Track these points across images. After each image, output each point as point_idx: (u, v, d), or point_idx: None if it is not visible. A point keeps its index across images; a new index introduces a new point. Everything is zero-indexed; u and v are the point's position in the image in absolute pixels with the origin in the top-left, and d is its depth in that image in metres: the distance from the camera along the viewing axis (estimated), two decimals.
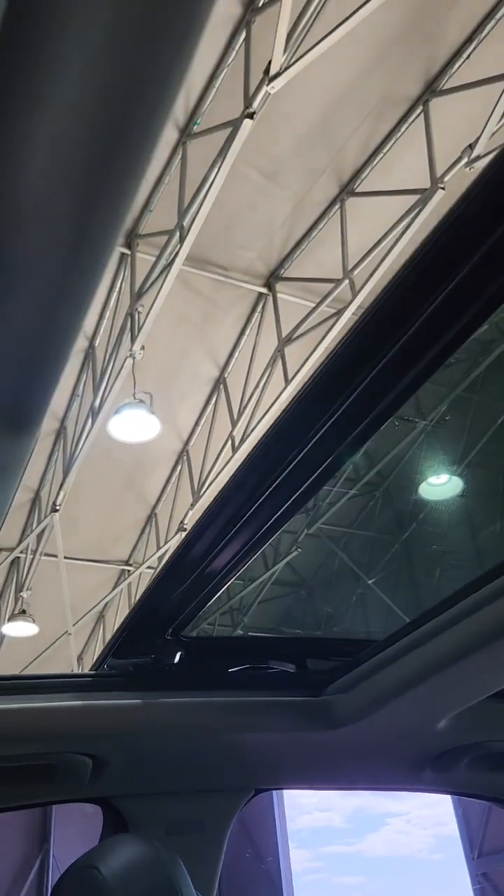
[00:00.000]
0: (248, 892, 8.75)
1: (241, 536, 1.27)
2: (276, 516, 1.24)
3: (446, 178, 6.18)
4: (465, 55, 6.02)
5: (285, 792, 9.33)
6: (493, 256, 0.80)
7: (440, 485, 8.25)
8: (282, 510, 1.23)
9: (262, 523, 1.25)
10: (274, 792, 9.06)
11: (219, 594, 1.44)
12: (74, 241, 0.49)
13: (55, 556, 8.90)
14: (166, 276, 6.35)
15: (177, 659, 1.56)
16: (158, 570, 1.40)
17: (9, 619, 9.64)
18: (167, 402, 8.00)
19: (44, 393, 0.65)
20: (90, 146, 0.43)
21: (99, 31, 0.37)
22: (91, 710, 1.44)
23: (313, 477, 1.15)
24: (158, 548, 9.56)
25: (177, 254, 6.25)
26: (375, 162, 6.76)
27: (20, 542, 9.54)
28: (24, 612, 9.40)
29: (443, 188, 6.17)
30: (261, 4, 5.48)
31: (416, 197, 6.37)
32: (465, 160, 6.07)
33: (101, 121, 0.42)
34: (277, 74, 5.14)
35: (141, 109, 0.42)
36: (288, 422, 1.06)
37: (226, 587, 1.44)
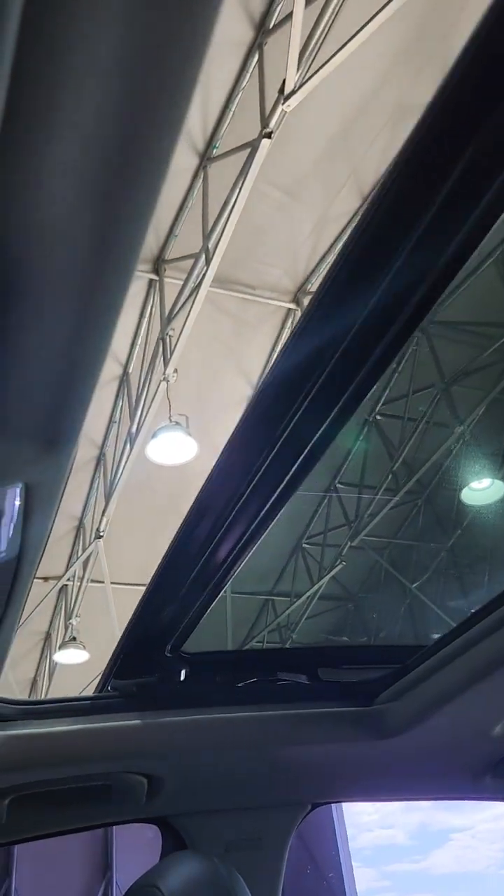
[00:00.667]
0: None
1: (227, 541, 1.21)
2: (262, 513, 1.17)
3: None
4: None
5: (346, 810, 9.21)
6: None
7: (483, 489, 8.13)
8: (268, 506, 1.16)
9: (248, 523, 1.18)
10: (333, 807, 8.94)
11: (214, 603, 1.38)
12: (95, 261, 0.51)
13: (101, 581, 8.98)
14: (195, 298, 6.42)
15: (182, 676, 1.53)
16: (148, 584, 1.35)
17: (60, 647, 9.73)
18: (203, 423, 8.04)
19: (77, 412, 0.66)
20: (104, 169, 0.45)
21: (106, 55, 0.39)
22: (141, 729, 1.45)
23: (299, 461, 1.07)
24: None
25: (204, 276, 6.32)
26: None
27: (67, 570, 9.65)
28: (74, 639, 9.48)
29: None
30: (272, 26, 5.56)
31: None
32: None
33: (112, 143, 0.43)
34: (292, 92, 5.19)
35: (151, 128, 0.44)
36: (264, 407, 0.99)
37: (221, 594, 1.39)
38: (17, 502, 0.70)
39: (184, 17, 0.39)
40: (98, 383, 0.66)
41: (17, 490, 0.69)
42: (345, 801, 1.91)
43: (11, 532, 0.73)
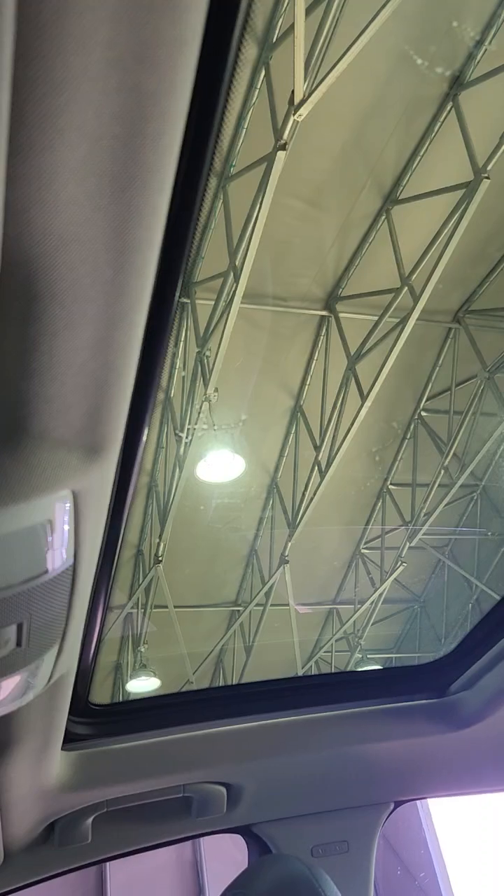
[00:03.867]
0: None
1: None
2: None
3: (489, 167, 6.09)
4: (486, 42, 5.97)
5: (438, 809, 9.01)
6: None
7: None
8: None
9: None
10: (419, 805, 8.73)
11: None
12: (114, 261, 0.52)
13: (165, 606, 9.04)
14: (227, 316, 6.48)
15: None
16: None
17: (131, 676, 9.81)
18: (248, 439, 8.08)
19: (115, 416, 0.68)
20: (111, 168, 0.46)
21: (99, 55, 0.41)
22: (215, 738, 1.46)
23: None
24: (263, 583, 9.57)
25: (234, 293, 6.37)
26: (414, 166, 6.74)
27: (130, 597, 9.75)
28: (144, 666, 9.55)
29: (487, 177, 6.08)
30: (275, 40, 5.62)
31: (461, 192, 6.30)
32: None
33: (117, 141, 0.45)
34: (302, 101, 5.23)
35: (152, 123, 0.45)
36: None
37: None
38: (67, 511, 0.72)
39: (172, 11, 0.41)
40: (132, 386, 0.68)
41: (66, 498, 0.71)
42: (427, 797, 1.88)
43: (66, 541, 0.75)
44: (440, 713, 1.55)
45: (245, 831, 1.68)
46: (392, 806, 1.75)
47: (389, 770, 1.66)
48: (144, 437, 0.82)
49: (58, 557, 0.76)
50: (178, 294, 0.70)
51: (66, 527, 0.74)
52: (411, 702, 1.57)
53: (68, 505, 0.72)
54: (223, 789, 1.54)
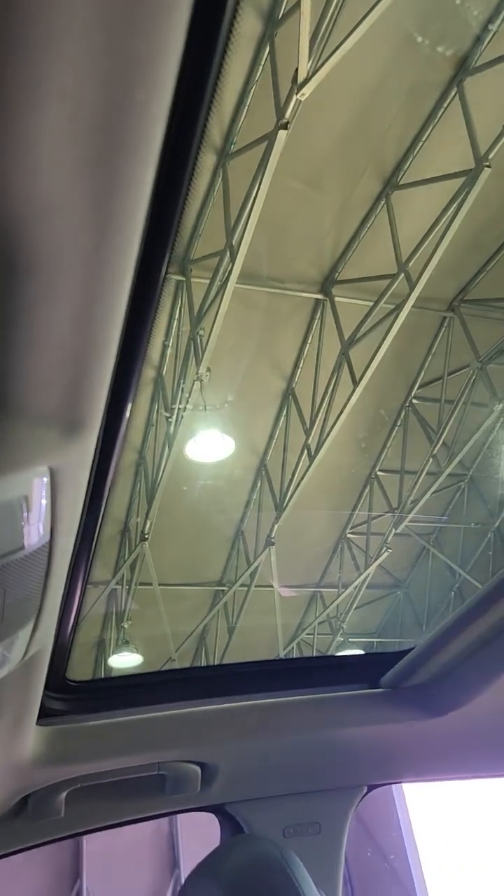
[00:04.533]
0: (375, 891, 8.59)
1: None
2: None
3: (491, 156, 6.05)
4: (494, 28, 5.90)
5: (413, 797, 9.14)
6: None
7: None
8: None
9: None
10: (393, 789, 8.85)
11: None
12: (97, 232, 0.51)
13: (150, 584, 9.06)
14: (222, 296, 6.43)
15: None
16: None
17: (113, 652, 9.85)
18: (239, 420, 8.07)
19: (96, 393, 0.67)
20: (94, 135, 0.45)
21: (81, 14, 0.39)
22: (191, 717, 1.46)
23: None
24: (249, 565, 9.61)
25: (230, 273, 6.32)
26: (416, 151, 6.68)
27: (115, 574, 9.76)
28: (127, 642, 9.59)
29: (488, 166, 6.04)
30: (280, 16, 5.53)
31: (461, 179, 6.25)
32: None
33: (100, 108, 0.43)
34: (306, 81, 5.16)
35: (140, 89, 0.43)
36: None
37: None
38: (44, 487, 0.71)
39: None
40: (113, 363, 0.67)
41: (43, 474, 0.70)
42: (400, 782, 1.90)
43: (42, 517, 0.74)
44: (417, 700, 1.56)
45: (218, 810, 1.69)
46: (365, 790, 1.77)
47: (364, 754, 1.67)
48: (127, 415, 0.81)
49: (34, 533, 0.75)
50: (164, 269, 0.68)
51: (44, 503, 0.73)
52: (389, 688, 1.57)
53: (45, 481, 0.71)
54: (198, 768, 1.54)
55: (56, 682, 1.35)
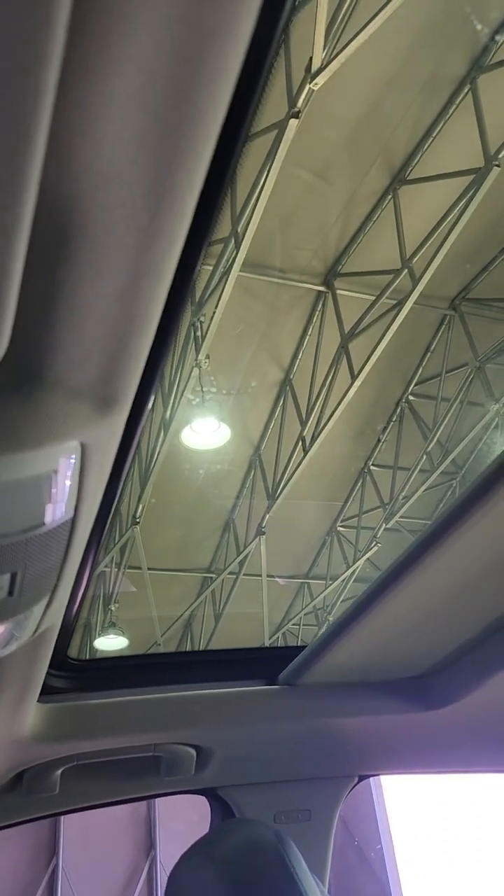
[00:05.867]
0: (350, 883, 8.69)
1: None
2: None
3: (501, 155, 6.03)
4: None
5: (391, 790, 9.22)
6: None
7: None
8: None
9: None
10: (371, 782, 8.92)
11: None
12: (152, 207, 0.50)
13: (139, 568, 9.06)
14: (225, 283, 6.41)
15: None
16: None
17: (99, 634, 9.85)
18: (236, 409, 8.06)
19: (131, 371, 0.67)
20: (162, 105, 0.44)
21: None
22: (189, 700, 1.47)
23: None
24: (238, 553, 9.62)
25: (233, 261, 6.30)
26: (426, 147, 6.66)
27: (104, 556, 9.76)
28: (113, 624, 9.60)
29: (498, 165, 6.03)
30: (297, 2, 5.48)
31: (470, 178, 6.24)
32: None
33: (172, 77, 0.43)
34: (320, 70, 5.13)
35: (209, 66, 0.43)
36: None
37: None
38: (73, 463, 0.71)
39: None
40: (152, 339, 0.66)
41: (74, 450, 0.69)
42: (391, 774, 1.92)
43: (67, 493, 0.74)
44: (413, 693, 1.57)
45: (210, 794, 1.70)
46: (356, 779, 1.78)
47: (357, 745, 1.68)
48: (153, 395, 0.80)
49: (59, 509, 0.75)
50: (205, 248, 0.68)
51: (71, 479, 0.73)
52: (387, 679, 1.58)
53: (75, 457, 0.70)
54: (193, 751, 1.55)
55: (58, 660, 1.36)
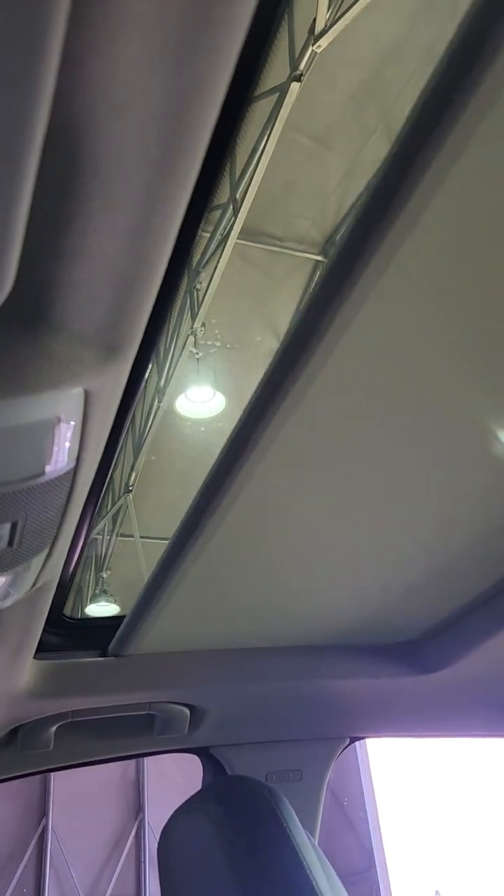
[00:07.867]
0: (334, 843, 8.89)
1: None
2: None
3: None
4: None
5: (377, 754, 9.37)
6: None
7: None
8: None
9: None
10: (357, 745, 9.06)
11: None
12: (164, 141, 0.48)
13: (131, 536, 9.09)
14: (222, 251, 6.35)
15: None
16: None
17: (91, 600, 9.92)
18: (231, 377, 8.03)
19: (138, 317, 0.65)
20: (176, 32, 0.42)
21: None
22: (183, 659, 1.47)
23: None
24: None
25: (231, 228, 6.23)
26: None
27: (97, 523, 9.79)
28: (105, 591, 9.66)
29: None
30: None
31: None
32: None
33: (189, 4, 0.41)
34: (323, 32, 5.04)
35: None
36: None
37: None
38: (77, 410, 0.70)
39: None
40: (159, 284, 0.65)
41: (78, 397, 0.68)
42: (383, 736, 1.94)
43: (71, 441, 0.73)
44: (406, 657, 1.58)
45: (203, 752, 1.72)
46: (347, 741, 1.81)
47: (350, 707, 1.70)
48: (158, 344, 0.79)
49: (60, 458, 0.74)
50: (214, 193, 0.66)
51: (74, 427, 0.72)
52: (381, 643, 1.59)
53: (79, 404, 0.69)
54: (187, 710, 1.56)
55: (54, 617, 1.35)
